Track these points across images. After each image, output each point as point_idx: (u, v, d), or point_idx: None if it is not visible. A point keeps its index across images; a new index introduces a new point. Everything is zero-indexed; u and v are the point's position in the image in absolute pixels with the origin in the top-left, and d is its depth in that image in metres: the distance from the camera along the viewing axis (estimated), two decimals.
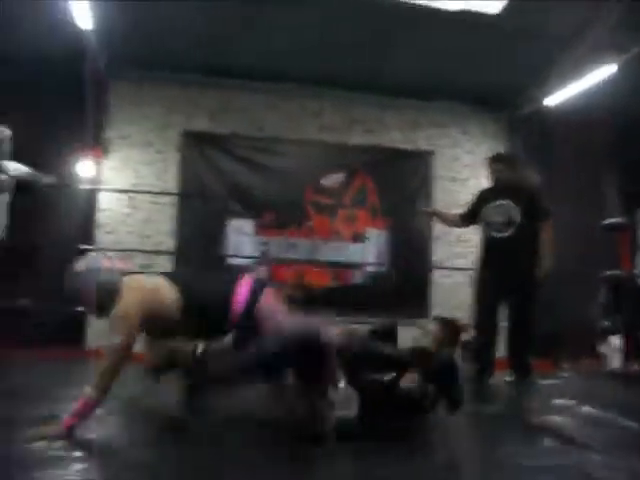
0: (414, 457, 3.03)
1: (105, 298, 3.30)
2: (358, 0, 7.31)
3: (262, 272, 8.42)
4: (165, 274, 3.64)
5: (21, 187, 6.28)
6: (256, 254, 8.65)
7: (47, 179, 6.53)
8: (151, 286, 3.46)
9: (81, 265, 3.39)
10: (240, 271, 3.57)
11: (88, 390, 3.13)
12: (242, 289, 3.50)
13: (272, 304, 3.55)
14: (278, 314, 3.51)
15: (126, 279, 3.42)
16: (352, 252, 8.86)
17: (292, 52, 8.06)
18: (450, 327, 3.89)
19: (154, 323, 3.41)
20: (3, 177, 6.16)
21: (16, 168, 6.30)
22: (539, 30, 7.88)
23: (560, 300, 7.90)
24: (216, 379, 3.48)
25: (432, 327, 3.83)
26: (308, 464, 2.87)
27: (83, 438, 3.07)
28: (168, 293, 3.44)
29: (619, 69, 7.51)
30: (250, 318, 3.42)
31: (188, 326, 3.48)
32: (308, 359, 3.16)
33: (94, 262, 3.42)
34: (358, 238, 8.90)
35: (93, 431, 3.19)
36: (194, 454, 2.91)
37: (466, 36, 7.87)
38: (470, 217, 6.20)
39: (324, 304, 8.33)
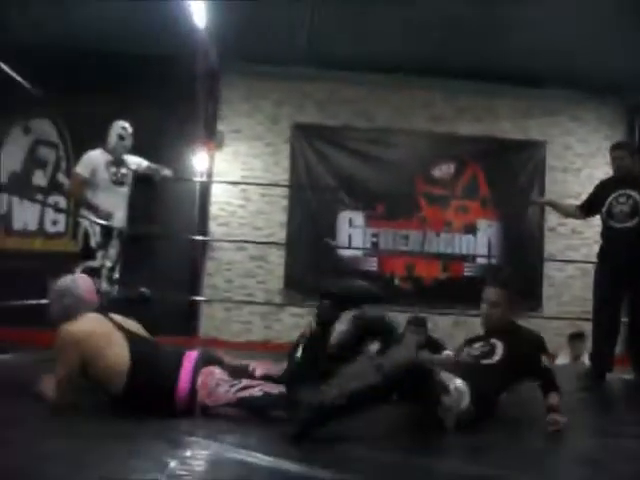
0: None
1: (58, 318, 3.24)
2: None
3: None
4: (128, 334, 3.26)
5: (141, 180, 6.51)
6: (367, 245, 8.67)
7: (165, 172, 6.76)
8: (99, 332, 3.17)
9: (61, 282, 3.38)
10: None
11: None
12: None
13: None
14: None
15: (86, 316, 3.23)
16: (463, 244, 8.76)
17: (403, 43, 8.02)
18: None
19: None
20: (124, 171, 6.39)
21: (136, 162, 6.55)
22: None
23: None
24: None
25: None
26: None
27: None
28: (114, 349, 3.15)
29: None
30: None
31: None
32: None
33: (67, 284, 3.37)
34: (469, 230, 8.79)
35: None
36: None
37: (581, 19, 7.66)
38: (590, 207, 6.01)
39: (435, 296, 8.40)
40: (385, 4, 7.46)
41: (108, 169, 6.31)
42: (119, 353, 3.11)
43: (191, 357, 3.24)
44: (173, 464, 2.32)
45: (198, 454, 2.50)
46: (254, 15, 7.69)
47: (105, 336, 3.15)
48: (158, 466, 2.29)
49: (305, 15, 7.74)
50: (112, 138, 6.38)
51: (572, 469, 2.75)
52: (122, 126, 6.44)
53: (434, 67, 8.57)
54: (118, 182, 6.39)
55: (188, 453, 2.50)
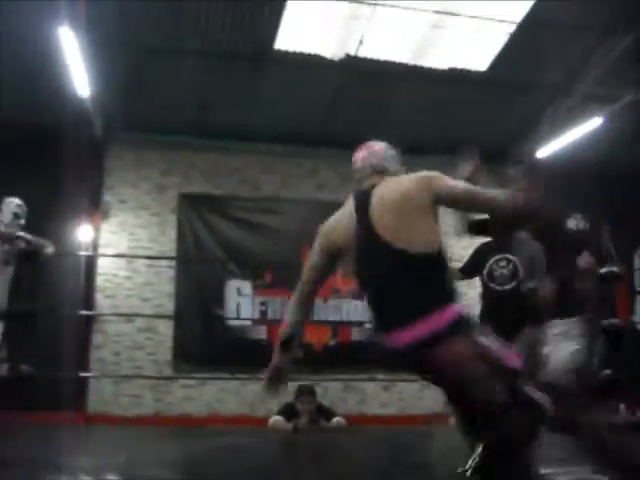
0: None
1: None
2: (347, 62, 7.57)
3: None
4: None
5: (26, 257, 6.30)
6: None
7: (47, 250, 6.52)
8: None
9: None
10: None
11: None
12: None
13: None
14: None
15: None
16: (351, 309, 8.89)
17: (288, 113, 8.23)
18: None
19: None
20: (13, 250, 6.19)
21: (26, 239, 6.31)
22: (527, 84, 8.12)
23: None
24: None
25: None
26: None
27: None
28: None
29: (606, 120, 7.67)
30: None
31: None
32: None
33: None
34: (356, 295, 8.92)
35: None
36: None
37: (456, 91, 8.09)
38: (471, 270, 6.23)
39: (325, 362, 8.45)
40: (269, 76, 7.70)
41: (2, 247, 6.14)
42: None
43: None
44: None
45: None
46: (141, 85, 7.76)
47: None
48: None
49: (193, 85, 7.86)
50: (6, 216, 6.16)
51: None
52: (17, 204, 6.22)
53: (319, 136, 8.80)
54: (6, 261, 6.21)
55: None
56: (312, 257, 2.99)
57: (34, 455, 4.93)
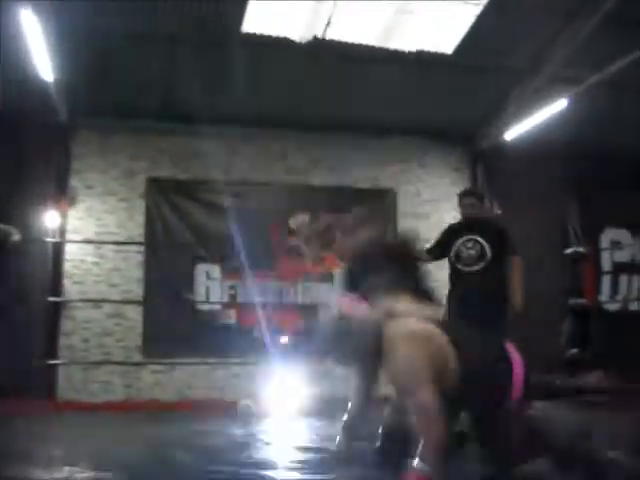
0: None
1: None
2: (315, 44, 7.56)
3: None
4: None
5: None
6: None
7: (16, 236, 6.41)
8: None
9: None
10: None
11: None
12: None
13: None
14: None
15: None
16: (321, 293, 8.91)
17: (257, 96, 8.20)
18: None
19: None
20: None
21: None
22: (494, 66, 8.17)
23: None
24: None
25: None
26: None
27: None
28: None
29: (571, 102, 7.73)
30: None
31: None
32: None
33: None
34: (326, 278, 8.96)
35: None
36: None
37: (424, 74, 8.13)
38: (438, 251, 6.27)
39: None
40: (237, 59, 7.66)
41: None
42: None
43: None
44: None
45: None
46: (107, 69, 7.67)
47: None
48: None
49: (160, 69, 7.80)
50: None
51: None
52: None
53: (288, 119, 8.79)
54: None
55: None
56: None
57: (6, 445, 4.91)
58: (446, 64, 8.19)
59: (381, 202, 9.37)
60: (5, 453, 4.54)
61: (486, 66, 8.26)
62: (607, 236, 10.00)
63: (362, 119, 8.87)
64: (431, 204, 9.54)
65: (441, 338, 2.98)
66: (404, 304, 3.27)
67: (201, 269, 8.67)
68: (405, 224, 9.37)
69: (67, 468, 4.00)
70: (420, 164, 9.69)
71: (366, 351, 3.10)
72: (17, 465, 4.16)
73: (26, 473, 3.95)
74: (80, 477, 3.75)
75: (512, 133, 8.68)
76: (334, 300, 3.08)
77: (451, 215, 8.28)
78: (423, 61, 8.14)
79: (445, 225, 6.50)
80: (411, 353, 2.88)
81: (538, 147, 8.71)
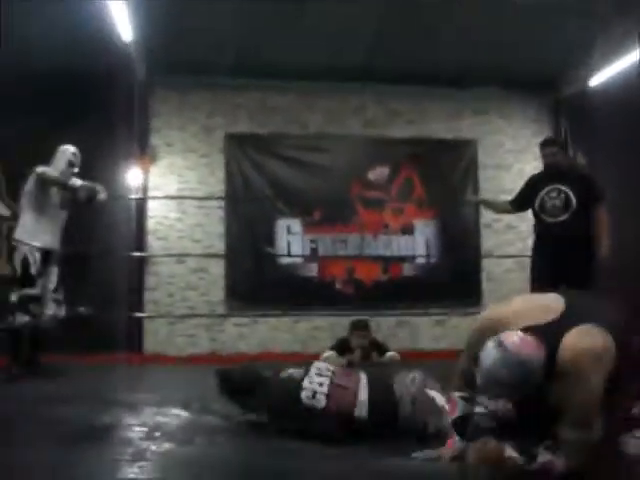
0: None
1: None
2: None
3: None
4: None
5: (80, 202, 6.37)
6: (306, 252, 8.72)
7: (103, 194, 6.52)
8: None
9: None
10: None
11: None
12: None
13: None
14: None
15: None
16: (401, 245, 8.86)
17: (332, 49, 8.10)
18: None
19: None
20: (68, 195, 6.28)
21: (77, 185, 6.37)
22: (579, 8, 7.83)
23: None
24: None
25: None
26: None
27: None
28: None
29: None
30: None
31: None
32: None
33: None
34: (407, 230, 8.89)
35: None
36: None
37: (502, 18, 7.84)
38: (522, 203, 6.14)
39: (376, 298, 8.47)
40: (310, 11, 7.55)
41: (58, 193, 6.24)
42: None
43: None
44: None
45: None
46: (182, 27, 7.68)
47: None
48: None
49: (234, 25, 7.76)
50: (60, 163, 6.26)
51: None
52: (72, 152, 6.34)
53: (364, 72, 8.66)
54: (61, 206, 6.32)
55: None
56: None
57: (95, 392, 5.06)
58: (530, 6, 7.87)
59: (462, 154, 9.20)
60: (94, 398, 4.71)
61: (572, 8, 7.93)
62: None
63: (440, 69, 8.67)
64: (512, 154, 9.32)
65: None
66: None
67: (282, 223, 8.69)
68: (486, 175, 9.21)
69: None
70: (501, 114, 9.44)
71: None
72: (105, 408, 4.31)
73: (118, 418, 4.09)
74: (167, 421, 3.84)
75: (597, 79, 8.37)
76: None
77: (533, 166, 8.10)
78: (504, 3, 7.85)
79: (527, 176, 6.36)
80: (598, 383, 2.54)
81: (625, 94, 8.36)
